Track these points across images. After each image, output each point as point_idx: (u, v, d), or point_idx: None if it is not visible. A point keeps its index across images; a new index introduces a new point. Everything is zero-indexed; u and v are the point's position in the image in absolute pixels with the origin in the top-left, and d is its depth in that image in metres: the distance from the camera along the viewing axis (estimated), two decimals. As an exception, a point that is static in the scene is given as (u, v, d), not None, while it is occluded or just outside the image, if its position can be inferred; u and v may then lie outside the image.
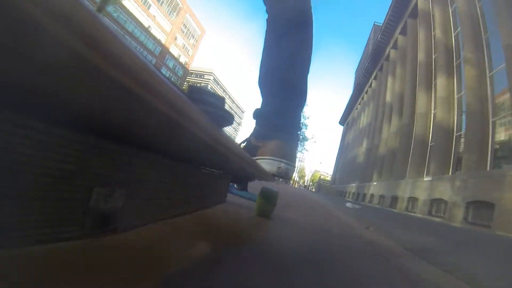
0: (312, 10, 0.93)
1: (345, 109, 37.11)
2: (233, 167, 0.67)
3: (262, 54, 0.96)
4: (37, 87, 0.16)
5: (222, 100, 0.39)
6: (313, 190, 43.36)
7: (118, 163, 0.35)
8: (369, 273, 0.76)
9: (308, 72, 0.94)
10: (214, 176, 0.88)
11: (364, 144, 21.52)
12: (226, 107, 0.39)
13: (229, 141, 0.39)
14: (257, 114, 0.96)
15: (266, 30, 0.95)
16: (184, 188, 0.64)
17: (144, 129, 0.27)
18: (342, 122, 41.57)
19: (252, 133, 0.97)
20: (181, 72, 43.80)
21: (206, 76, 63.60)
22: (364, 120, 24.71)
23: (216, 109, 0.37)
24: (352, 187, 21.50)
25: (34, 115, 0.23)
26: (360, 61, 36.40)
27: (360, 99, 28.82)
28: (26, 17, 0.09)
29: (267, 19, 0.94)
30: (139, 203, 0.43)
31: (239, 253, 0.60)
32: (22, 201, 0.24)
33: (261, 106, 0.96)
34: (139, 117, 0.22)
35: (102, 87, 0.16)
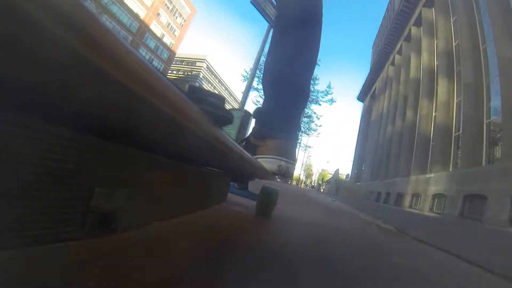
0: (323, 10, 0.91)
1: (367, 79, 26.93)
2: (233, 166, 0.67)
3: (268, 52, 0.96)
4: (37, 87, 0.16)
5: (222, 99, 0.39)
6: (321, 190, 31.65)
7: (119, 163, 0.35)
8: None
9: (312, 74, 0.94)
10: (214, 176, 0.88)
11: (423, 104, 12.16)
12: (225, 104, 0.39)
13: (229, 140, 0.39)
14: (257, 113, 0.96)
15: (273, 28, 0.95)
16: (184, 188, 0.64)
17: (144, 129, 0.27)
18: (362, 97, 30.41)
19: (251, 132, 0.97)
20: (165, 55, 37.25)
21: (198, 64, 54.13)
22: (419, 65, 14.46)
23: (216, 109, 0.36)
24: (429, 181, 9.23)
25: (34, 115, 0.22)
26: (378, 30, 29.07)
27: (397, 44, 19.14)
28: (26, 17, 0.09)
29: (275, 17, 0.94)
30: (139, 203, 0.43)
31: (239, 252, 0.60)
32: (22, 201, 0.24)
33: (263, 105, 0.96)
34: (139, 117, 0.22)
35: (102, 87, 0.16)
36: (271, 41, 0.94)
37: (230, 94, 65.72)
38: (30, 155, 0.23)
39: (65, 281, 0.30)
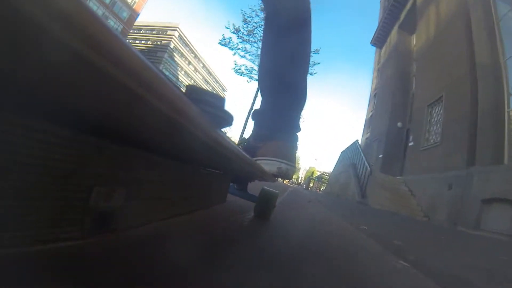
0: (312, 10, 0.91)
1: (387, 13, 16.12)
2: (233, 167, 0.67)
3: (261, 53, 0.95)
4: (37, 87, 0.16)
5: (221, 100, 0.39)
6: (309, 188, 21.71)
7: (118, 163, 0.35)
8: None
9: (307, 72, 0.94)
10: (214, 176, 0.88)
11: None
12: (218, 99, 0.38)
13: (229, 141, 0.39)
14: (256, 115, 0.96)
15: (264, 29, 0.94)
16: (184, 188, 0.64)
17: (144, 129, 0.27)
18: (379, 41, 19.03)
19: (251, 134, 0.97)
20: (125, 14, 30.65)
21: (169, 32, 44.58)
22: None
23: (215, 110, 0.37)
24: None
25: (34, 115, 0.23)
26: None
27: None
28: (26, 17, 0.10)
29: (264, 17, 0.94)
30: (139, 203, 0.43)
31: (238, 253, 0.60)
32: (22, 201, 0.25)
33: (261, 106, 0.96)
34: (139, 118, 0.22)
35: (102, 88, 0.16)
36: (264, 41, 0.94)
37: (209, 72, 55.07)
38: (30, 155, 0.24)
39: (65, 281, 0.30)
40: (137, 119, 0.23)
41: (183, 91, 0.37)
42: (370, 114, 18.11)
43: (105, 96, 0.18)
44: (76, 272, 0.32)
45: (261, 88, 0.95)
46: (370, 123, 17.71)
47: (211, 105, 0.36)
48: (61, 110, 0.21)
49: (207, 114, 0.34)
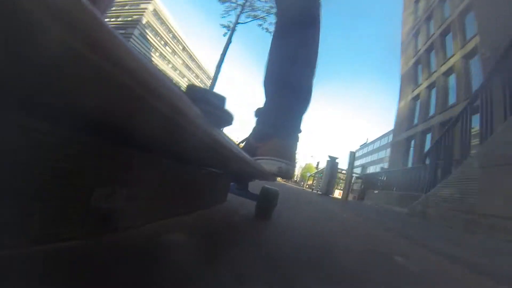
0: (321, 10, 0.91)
1: None
2: (233, 167, 0.67)
3: (269, 52, 0.96)
4: (37, 87, 0.16)
5: (222, 100, 0.39)
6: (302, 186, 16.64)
7: (119, 163, 0.35)
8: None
9: (314, 74, 0.94)
10: (214, 176, 0.88)
11: None
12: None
13: (229, 141, 0.39)
14: (258, 113, 0.96)
15: (274, 29, 0.95)
16: (184, 188, 0.64)
17: (144, 129, 0.27)
18: None
19: (251, 133, 0.97)
20: None
21: (142, 5, 34.92)
22: None
23: (215, 109, 0.37)
24: None
25: (34, 115, 0.23)
26: None
27: None
28: (26, 17, 0.10)
29: (275, 13, 0.95)
30: (139, 203, 0.43)
31: (239, 253, 0.60)
32: (23, 201, 0.25)
33: (264, 105, 0.96)
34: (139, 117, 0.22)
35: (102, 87, 0.16)
36: (272, 41, 0.95)
37: (191, 57, 44.53)
38: (30, 155, 0.24)
39: (65, 281, 0.30)
40: (138, 119, 0.23)
41: (184, 90, 0.37)
42: (413, 59, 15.14)
43: (106, 96, 0.18)
44: (77, 272, 0.32)
45: (265, 87, 0.96)
46: (415, 73, 14.70)
47: (211, 105, 0.36)
48: (62, 110, 0.21)
49: (207, 113, 0.34)
